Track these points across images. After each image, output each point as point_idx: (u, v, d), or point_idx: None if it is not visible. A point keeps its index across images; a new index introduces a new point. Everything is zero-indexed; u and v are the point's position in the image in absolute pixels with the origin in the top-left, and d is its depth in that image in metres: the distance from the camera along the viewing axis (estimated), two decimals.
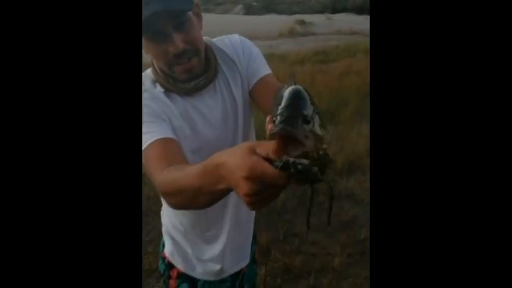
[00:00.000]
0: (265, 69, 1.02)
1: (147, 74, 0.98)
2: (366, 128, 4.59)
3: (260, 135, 0.86)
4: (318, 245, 2.60)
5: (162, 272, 1.21)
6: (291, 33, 19.81)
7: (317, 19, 25.69)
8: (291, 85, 0.62)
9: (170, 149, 0.84)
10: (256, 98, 1.01)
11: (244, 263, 1.21)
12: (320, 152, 0.58)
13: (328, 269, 2.35)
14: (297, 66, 8.79)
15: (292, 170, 0.52)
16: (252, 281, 1.32)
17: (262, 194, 0.53)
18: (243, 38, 1.05)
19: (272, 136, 0.53)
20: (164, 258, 1.20)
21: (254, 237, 1.25)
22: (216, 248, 1.11)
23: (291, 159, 0.53)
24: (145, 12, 0.79)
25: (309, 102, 0.59)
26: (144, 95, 0.92)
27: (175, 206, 0.77)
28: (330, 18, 29.63)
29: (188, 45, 0.88)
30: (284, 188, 0.54)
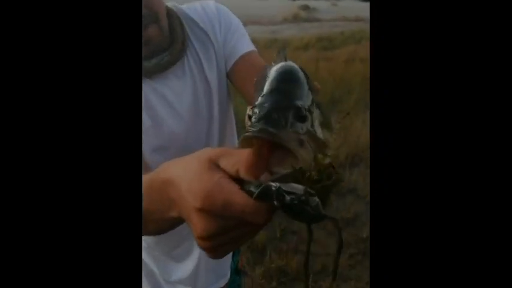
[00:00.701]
0: (247, 45, 0.82)
1: None
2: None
3: (242, 130, 0.68)
4: (318, 244, 2.42)
5: None
6: (295, 19, 19.44)
7: (322, 5, 25.21)
8: (280, 62, 0.42)
9: None
10: (236, 81, 0.81)
11: (223, 281, 1.02)
12: (322, 169, 0.38)
13: (328, 270, 2.18)
14: (300, 52, 8.53)
15: (275, 203, 0.33)
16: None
17: (224, 236, 0.34)
18: (220, 6, 0.83)
19: (246, 141, 0.34)
20: None
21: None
22: (186, 267, 0.91)
23: (274, 185, 0.33)
24: None
25: (306, 87, 0.40)
26: None
27: None
28: (335, 4, 29.13)
29: (144, 9, 0.69)
30: (262, 227, 0.35)
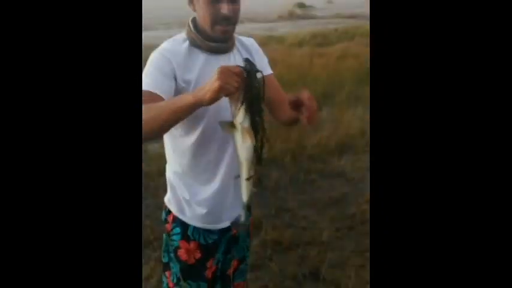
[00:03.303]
0: (269, 69, 1.27)
1: (176, 37, 1.16)
2: (360, 111, 4.66)
3: None
4: (308, 220, 2.70)
5: (163, 220, 1.31)
6: (291, 16, 19.64)
7: (317, 2, 25.39)
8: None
9: (152, 99, 1.00)
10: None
11: (235, 213, 1.24)
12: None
13: (317, 242, 2.46)
14: (295, 49, 8.79)
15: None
16: (243, 252, 1.38)
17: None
18: (255, 42, 1.29)
19: None
20: (164, 207, 1.30)
21: (249, 208, 1.32)
22: (209, 190, 1.20)
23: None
24: None
25: None
26: (167, 48, 1.11)
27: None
28: (330, 2, 29.27)
29: (233, 14, 1.09)
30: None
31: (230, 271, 1.35)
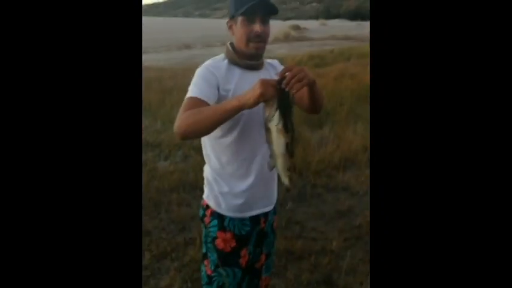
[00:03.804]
0: None
1: (217, 57, 1.38)
2: (360, 127, 4.84)
3: None
4: (318, 231, 2.83)
5: (200, 216, 1.48)
6: (286, 38, 20.11)
7: (311, 25, 26.01)
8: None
9: (199, 105, 1.19)
10: None
11: (266, 209, 1.47)
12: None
13: (327, 251, 2.58)
14: None
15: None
16: (269, 248, 1.55)
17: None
18: (279, 63, 1.52)
19: None
20: (202, 205, 1.46)
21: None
22: (243, 184, 1.38)
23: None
24: (255, 6, 1.22)
25: None
26: (211, 64, 1.32)
27: (187, 129, 1.14)
28: (324, 24, 29.99)
29: (264, 33, 1.31)
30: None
31: (259, 264, 1.51)
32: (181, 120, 1.16)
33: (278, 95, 1.09)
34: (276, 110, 1.09)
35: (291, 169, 1.20)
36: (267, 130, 1.13)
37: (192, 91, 1.24)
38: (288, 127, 1.11)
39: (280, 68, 1.45)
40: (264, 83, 1.08)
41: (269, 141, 1.15)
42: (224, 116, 1.14)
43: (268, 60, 1.48)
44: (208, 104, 1.21)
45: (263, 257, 1.53)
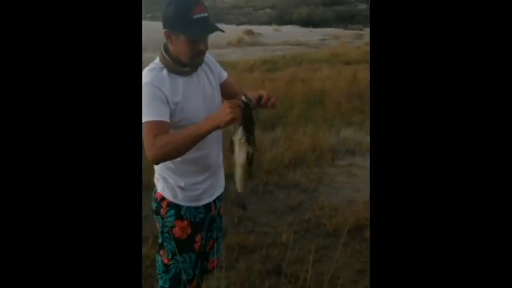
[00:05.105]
0: (224, 72, 1.59)
1: (153, 67, 1.36)
2: (310, 129, 5.08)
3: None
4: (269, 226, 2.98)
5: (154, 209, 1.55)
6: (239, 43, 20.30)
7: (265, 30, 26.44)
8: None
9: (162, 127, 1.25)
10: (223, 88, 1.56)
11: (216, 195, 1.60)
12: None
13: (277, 243, 2.73)
14: (247, 74, 9.23)
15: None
16: (216, 232, 1.69)
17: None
18: (213, 58, 1.59)
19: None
20: (156, 198, 1.54)
21: (221, 195, 1.65)
22: (199, 178, 1.49)
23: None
24: (204, 31, 1.29)
25: None
26: (154, 79, 1.30)
27: (164, 156, 1.24)
28: (277, 30, 30.57)
29: (207, 48, 1.38)
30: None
31: (208, 248, 1.65)
32: (155, 149, 1.21)
33: (242, 114, 1.19)
34: (240, 125, 1.21)
35: (249, 177, 1.32)
36: (231, 142, 1.25)
37: (149, 114, 1.24)
38: (250, 140, 1.24)
39: (211, 61, 1.54)
40: (233, 106, 1.15)
41: (232, 152, 1.27)
42: (198, 140, 1.22)
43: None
44: (169, 123, 1.27)
45: (211, 241, 1.66)
